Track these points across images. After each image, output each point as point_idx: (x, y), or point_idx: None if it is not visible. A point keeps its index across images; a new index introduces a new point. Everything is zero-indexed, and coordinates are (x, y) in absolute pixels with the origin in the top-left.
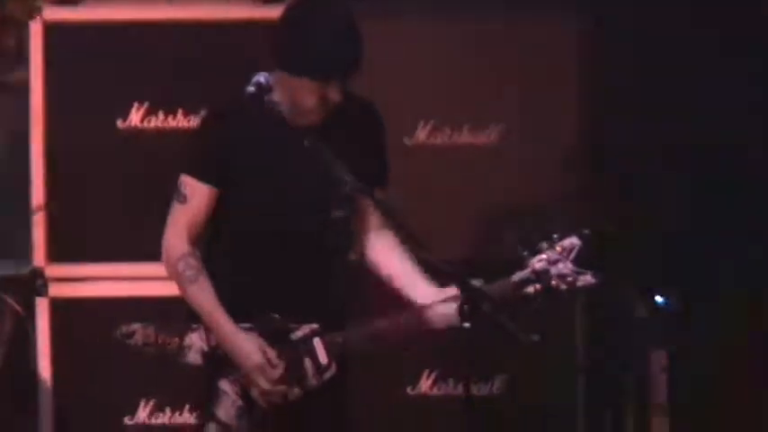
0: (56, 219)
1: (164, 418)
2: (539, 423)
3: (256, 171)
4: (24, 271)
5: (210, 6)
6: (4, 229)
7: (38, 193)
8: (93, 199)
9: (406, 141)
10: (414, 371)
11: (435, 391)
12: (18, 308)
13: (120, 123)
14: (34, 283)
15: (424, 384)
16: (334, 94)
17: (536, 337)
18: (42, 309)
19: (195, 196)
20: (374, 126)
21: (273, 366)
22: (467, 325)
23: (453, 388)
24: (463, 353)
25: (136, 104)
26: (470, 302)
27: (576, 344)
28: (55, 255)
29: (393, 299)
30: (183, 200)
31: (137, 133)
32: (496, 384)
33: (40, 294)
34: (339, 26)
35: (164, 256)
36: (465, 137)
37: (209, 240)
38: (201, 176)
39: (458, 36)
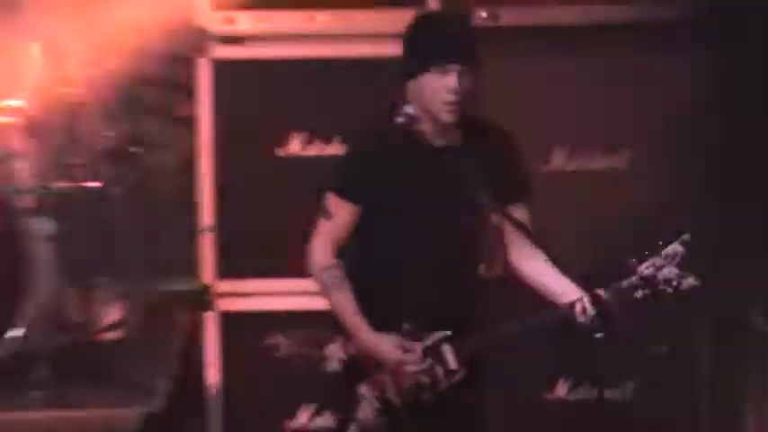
0: (222, 239)
1: (323, 422)
2: (666, 429)
3: (397, 192)
4: (194, 287)
5: (363, 43)
6: (175, 249)
7: (207, 216)
8: (256, 220)
9: (543, 168)
10: (550, 375)
11: (570, 396)
12: (190, 322)
13: (280, 151)
14: (203, 299)
15: (560, 389)
16: (463, 82)
17: (665, 348)
18: (210, 321)
19: (339, 213)
20: (509, 148)
21: (413, 353)
22: (599, 335)
23: (588, 392)
24: (597, 358)
25: (295, 134)
26: (602, 313)
27: (701, 353)
28: (221, 271)
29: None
30: (328, 216)
31: (296, 160)
32: (627, 389)
33: (208, 309)
34: (450, 18)
35: (310, 266)
36: (598, 163)
37: (351, 253)
38: (345, 195)
39: (591, 68)
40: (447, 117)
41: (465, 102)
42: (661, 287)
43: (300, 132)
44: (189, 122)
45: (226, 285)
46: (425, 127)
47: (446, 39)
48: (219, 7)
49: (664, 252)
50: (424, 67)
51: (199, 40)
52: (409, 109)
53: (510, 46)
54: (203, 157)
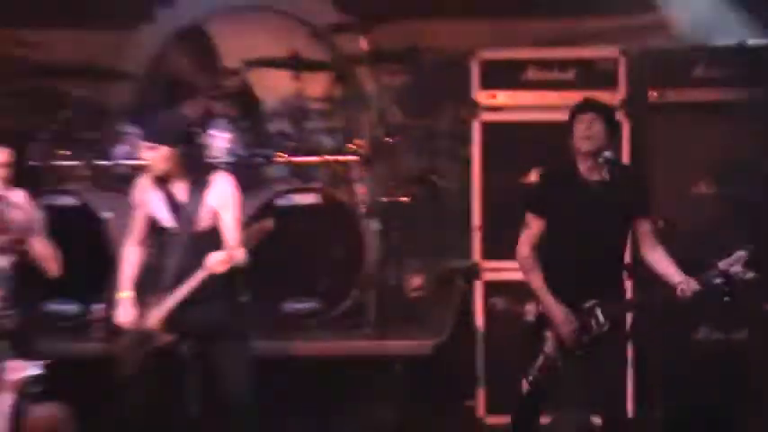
0: (485, 234)
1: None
2: None
3: (567, 208)
4: (468, 264)
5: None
6: (457, 239)
7: (476, 219)
8: (505, 222)
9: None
10: (695, 322)
11: (712, 336)
12: (465, 287)
13: (522, 179)
14: (473, 272)
15: (702, 332)
16: (593, 126)
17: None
18: (478, 288)
19: (532, 223)
20: (638, 183)
21: (571, 323)
22: (727, 299)
23: (720, 335)
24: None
25: (534, 167)
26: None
27: None
28: (484, 255)
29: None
30: (527, 226)
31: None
32: (741, 334)
33: (476, 279)
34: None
35: (517, 256)
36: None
37: (543, 249)
38: (535, 212)
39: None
40: (584, 147)
41: (596, 139)
42: (732, 278)
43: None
44: (467, 161)
45: (487, 264)
46: (582, 167)
47: (580, 101)
48: (485, 88)
49: (734, 256)
50: (571, 121)
51: (473, 108)
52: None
53: (669, 114)
54: (475, 183)
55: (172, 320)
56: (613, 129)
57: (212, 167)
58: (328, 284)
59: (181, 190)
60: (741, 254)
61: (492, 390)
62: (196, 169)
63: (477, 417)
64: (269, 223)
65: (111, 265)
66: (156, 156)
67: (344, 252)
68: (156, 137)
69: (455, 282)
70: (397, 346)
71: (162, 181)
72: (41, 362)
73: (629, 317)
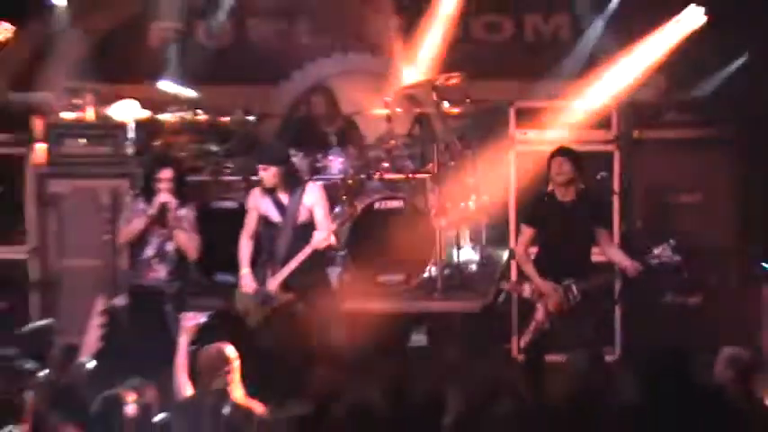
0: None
1: None
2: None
3: (548, 221)
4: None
5: None
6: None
7: (512, 219)
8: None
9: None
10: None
11: (676, 300)
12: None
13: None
14: (511, 255)
15: (668, 297)
16: (558, 169)
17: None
18: (513, 265)
19: (525, 232)
20: (599, 203)
21: (552, 293)
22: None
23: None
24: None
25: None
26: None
27: None
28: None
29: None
30: (522, 234)
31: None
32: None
33: (513, 259)
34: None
35: (516, 255)
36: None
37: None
38: (527, 224)
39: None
40: (567, 196)
41: (565, 174)
42: (663, 260)
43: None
44: (505, 180)
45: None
46: (558, 192)
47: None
48: (519, 127)
49: (663, 245)
50: (549, 162)
51: (510, 142)
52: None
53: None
54: (512, 195)
55: (286, 284)
56: (578, 165)
57: (304, 180)
58: (410, 263)
59: (283, 196)
60: (668, 244)
61: (520, 335)
62: (293, 181)
63: (512, 356)
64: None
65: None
66: (267, 174)
67: (420, 241)
68: (267, 161)
69: (497, 261)
70: (456, 305)
71: (270, 191)
72: (207, 313)
73: (617, 288)
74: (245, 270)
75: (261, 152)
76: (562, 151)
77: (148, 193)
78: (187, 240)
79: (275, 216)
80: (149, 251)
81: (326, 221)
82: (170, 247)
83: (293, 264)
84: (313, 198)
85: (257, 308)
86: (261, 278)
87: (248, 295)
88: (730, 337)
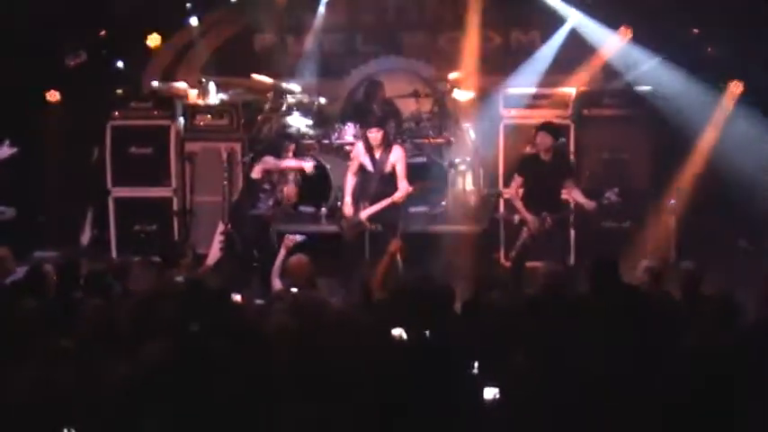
0: (504, 177)
1: None
2: None
3: (533, 172)
4: (496, 191)
5: None
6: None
7: (501, 170)
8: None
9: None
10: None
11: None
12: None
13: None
14: (498, 194)
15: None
16: (540, 139)
17: None
18: (501, 202)
19: (517, 179)
20: (566, 160)
21: (533, 221)
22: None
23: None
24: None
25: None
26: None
27: None
28: (503, 186)
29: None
30: (515, 180)
31: None
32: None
33: (500, 197)
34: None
35: (509, 194)
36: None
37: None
38: (519, 173)
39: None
40: (540, 147)
41: (545, 143)
42: (612, 201)
43: None
44: (496, 144)
45: (504, 191)
46: (540, 153)
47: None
48: (506, 107)
49: (611, 190)
50: (535, 133)
51: (499, 118)
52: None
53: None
54: (501, 153)
55: (374, 218)
56: (555, 135)
57: (391, 142)
58: (431, 200)
59: (377, 153)
60: (615, 190)
61: (507, 249)
62: (386, 142)
63: (500, 262)
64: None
65: (327, 191)
66: (376, 135)
67: (437, 184)
68: (378, 125)
69: (489, 199)
70: (461, 228)
71: (369, 148)
72: (302, 236)
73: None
74: (348, 198)
75: (372, 120)
76: (545, 127)
77: (277, 153)
78: (291, 192)
79: (369, 166)
80: (270, 200)
81: (404, 175)
82: (279, 194)
83: (382, 204)
84: (396, 156)
85: (349, 227)
86: (357, 208)
87: (347, 219)
88: (649, 252)
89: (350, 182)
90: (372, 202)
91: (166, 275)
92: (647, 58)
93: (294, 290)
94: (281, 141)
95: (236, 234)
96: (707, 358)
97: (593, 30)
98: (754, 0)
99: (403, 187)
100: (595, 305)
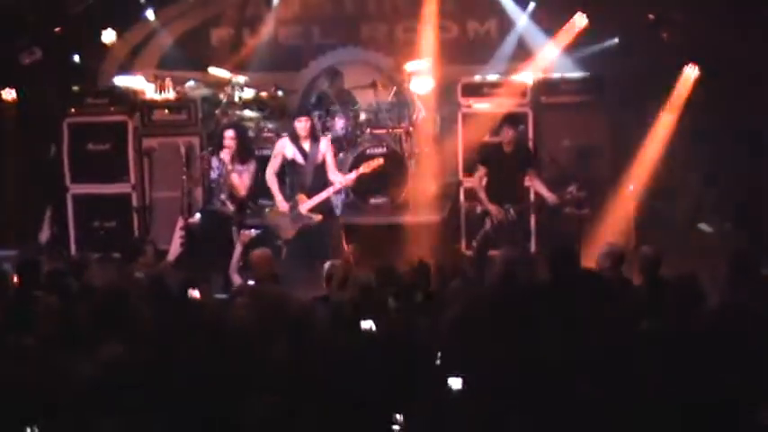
0: (464, 165)
1: None
2: None
3: (497, 163)
4: (457, 179)
5: None
6: (453, 164)
7: (461, 158)
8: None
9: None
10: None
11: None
12: (455, 190)
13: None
14: (459, 183)
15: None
16: (505, 132)
17: None
18: (461, 191)
19: (481, 170)
20: (527, 149)
21: (499, 213)
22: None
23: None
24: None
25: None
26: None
27: None
28: (464, 174)
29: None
30: (478, 170)
31: None
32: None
33: (461, 186)
34: None
35: (473, 185)
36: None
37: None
38: (482, 164)
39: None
40: (504, 138)
41: (509, 134)
42: (574, 195)
43: None
44: (455, 133)
45: (465, 180)
46: (504, 144)
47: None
48: (464, 96)
49: (572, 185)
50: (500, 125)
51: (458, 106)
52: (521, 127)
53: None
54: (460, 142)
55: (316, 209)
56: (516, 126)
57: (320, 133)
58: (392, 191)
59: (305, 144)
60: (577, 184)
61: (468, 239)
62: (314, 133)
63: (461, 251)
64: (378, 162)
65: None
66: (303, 125)
67: (397, 174)
68: (304, 114)
69: (451, 188)
70: (422, 218)
71: (296, 140)
72: (256, 230)
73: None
74: (280, 197)
75: (298, 110)
76: (508, 120)
77: (218, 149)
78: (238, 184)
79: (300, 159)
80: (223, 195)
81: (334, 164)
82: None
83: (324, 194)
84: (325, 147)
85: (288, 223)
86: (291, 203)
87: (283, 214)
88: (608, 237)
89: (274, 179)
90: (309, 195)
91: (126, 272)
92: (605, 44)
93: (253, 283)
94: (222, 130)
95: (197, 229)
96: (669, 343)
97: (546, 18)
98: None
99: (337, 176)
100: (554, 291)
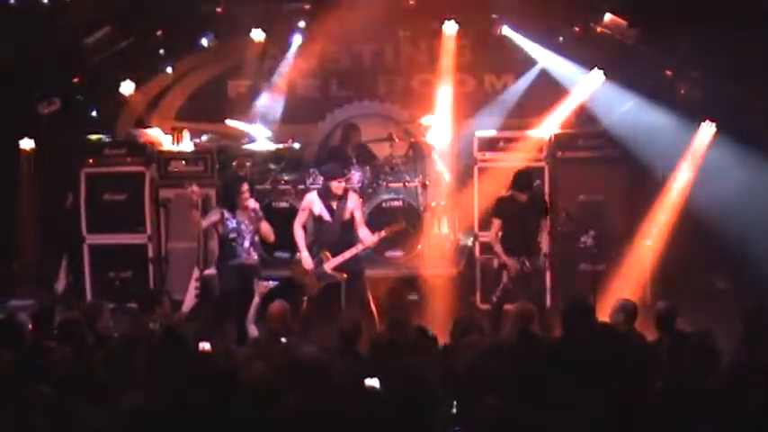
0: (480, 219)
1: None
2: None
3: (511, 215)
4: (473, 234)
5: None
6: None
7: (477, 211)
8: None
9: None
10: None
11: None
12: (471, 245)
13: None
14: (476, 237)
15: (582, 266)
16: (519, 196)
17: None
18: (477, 245)
19: (496, 223)
20: (542, 199)
21: (515, 266)
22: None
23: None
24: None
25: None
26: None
27: None
28: (480, 229)
29: None
30: (493, 224)
31: None
32: (602, 267)
33: (477, 240)
34: None
35: (490, 238)
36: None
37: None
38: (498, 216)
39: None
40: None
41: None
42: (588, 245)
43: None
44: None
45: (481, 234)
46: (517, 195)
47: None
48: (480, 150)
49: (589, 233)
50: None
51: (474, 160)
52: (537, 182)
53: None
54: (476, 195)
55: (340, 267)
56: (530, 180)
57: (348, 190)
58: (407, 244)
59: (333, 201)
60: (591, 233)
61: (484, 292)
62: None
63: (476, 305)
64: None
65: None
66: (340, 185)
67: (414, 227)
68: (341, 176)
69: (466, 242)
70: (437, 270)
71: (325, 197)
72: (275, 282)
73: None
74: (306, 253)
75: (335, 171)
76: (521, 183)
77: (231, 203)
78: (268, 231)
79: (326, 216)
80: (246, 243)
81: (362, 218)
82: (257, 238)
83: (348, 254)
84: (354, 203)
85: (314, 281)
86: (316, 260)
87: (308, 271)
88: (624, 292)
89: (301, 233)
90: (334, 252)
91: (142, 322)
92: (622, 100)
93: (272, 336)
94: (233, 185)
95: (216, 282)
96: (685, 399)
97: (565, 71)
98: (724, 41)
99: (366, 234)
100: (570, 348)
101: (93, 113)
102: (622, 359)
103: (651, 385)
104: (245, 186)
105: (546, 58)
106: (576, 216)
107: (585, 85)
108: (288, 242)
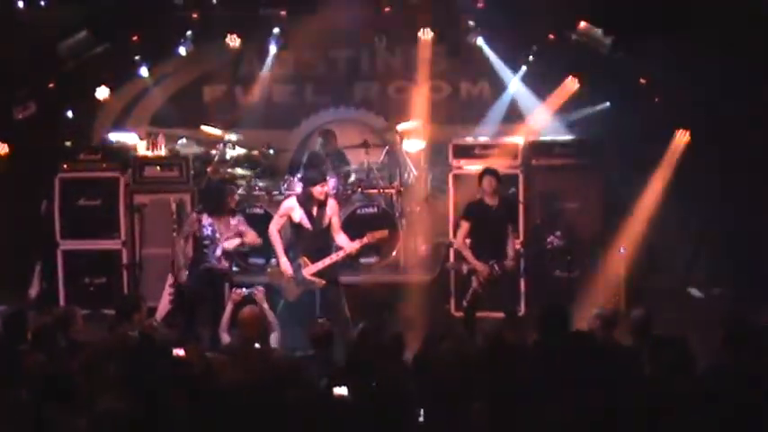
0: (454, 224)
1: None
2: None
3: (481, 219)
4: (447, 241)
5: None
6: (444, 226)
7: (451, 218)
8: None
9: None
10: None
11: (562, 275)
12: (446, 251)
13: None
14: (449, 245)
15: (558, 272)
16: (492, 182)
17: None
18: (452, 252)
19: (463, 225)
20: (513, 205)
21: (485, 271)
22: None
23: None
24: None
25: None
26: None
27: None
28: (454, 236)
29: None
30: (461, 227)
31: None
32: (576, 275)
33: (450, 248)
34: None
35: (455, 243)
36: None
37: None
38: (465, 219)
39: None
40: (491, 201)
41: (490, 187)
42: (555, 244)
43: None
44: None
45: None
46: (486, 198)
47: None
48: (455, 157)
49: (554, 234)
50: (481, 177)
51: (449, 167)
52: (512, 190)
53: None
54: (451, 202)
55: (321, 274)
56: (499, 180)
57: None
58: (383, 250)
59: (312, 208)
60: (557, 233)
61: (457, 299)
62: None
63: (450, 312)
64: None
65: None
66: (323, 189)
67: (390, 234)
68: (323, 180)
69: (439, 249)
70: (413, 278)
71: (304, 203)
72: (251, 288)
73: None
74: (284, 258)
75: (318, 175)
76: (489, 171)
77: (218, 210)
78: (254, 238)
79: (306, 223)
80: (218, 251)
81: (339, 225)
82: (229, 245)
83: (328, 261)
84: (333, 209)
85: (292, 286)
86: (295, 265)
87: (287, 277)
88: (598, 299)
89: (278, 239)
90: (313, 259)
91: (119, 329)
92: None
93: (245, 342)
94: (223, 190)
95: (187, 288)
96: (663, 404)
97: (538, 81)
98: (698, 48)
99: (346, 241)
100: (545, 355)
101: (69, 117)
102: (599, 365)
103: (629, 390)
104: (236, 196)
105: (513, 84)
106: (551, 223)
107: (560, 93)
108: (262, 248)
